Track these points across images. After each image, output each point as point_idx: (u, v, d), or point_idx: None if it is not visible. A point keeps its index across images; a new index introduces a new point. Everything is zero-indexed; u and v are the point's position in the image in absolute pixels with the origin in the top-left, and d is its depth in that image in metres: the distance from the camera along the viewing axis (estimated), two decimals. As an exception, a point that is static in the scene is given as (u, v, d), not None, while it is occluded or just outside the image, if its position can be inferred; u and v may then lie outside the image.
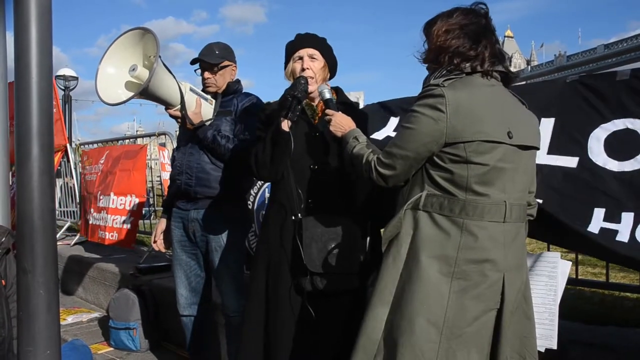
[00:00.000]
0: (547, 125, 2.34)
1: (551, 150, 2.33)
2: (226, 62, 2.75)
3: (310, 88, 2.14)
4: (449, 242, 1.55)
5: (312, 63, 2.16)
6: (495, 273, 1.56)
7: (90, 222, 5.31)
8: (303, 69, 2.14)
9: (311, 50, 2.17)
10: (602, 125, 2.25)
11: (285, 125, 2.04)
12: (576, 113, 2.32)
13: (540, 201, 2.22)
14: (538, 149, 1.71)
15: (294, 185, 2.08)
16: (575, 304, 2.78)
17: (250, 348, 2.15)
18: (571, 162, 2.27)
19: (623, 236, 2.05)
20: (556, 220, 2.09)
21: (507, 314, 1.59)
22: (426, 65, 1.76)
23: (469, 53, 1.63)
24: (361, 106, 3.21)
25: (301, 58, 2.16)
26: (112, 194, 4.99)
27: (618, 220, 2.10)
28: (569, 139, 2.31)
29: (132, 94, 2.39)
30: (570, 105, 2.35)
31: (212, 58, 2.71)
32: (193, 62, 2.74)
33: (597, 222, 2.12)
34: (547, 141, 2.33)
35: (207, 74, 2.73)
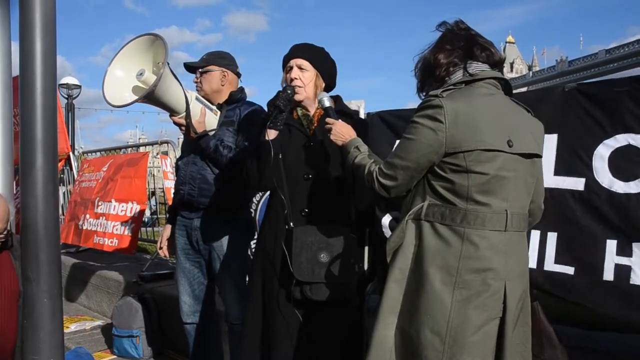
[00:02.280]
0: (550, 143, 2.34)
1: (557, 171, 2.34)
2: (212, 67, 2.77)
3: (299, 97, 2.16)
4: (450, 251, 1.56)
5: (300, 73, 2.17)
6: (497, 282, 1.57)
7: (85, 228, 5.27)
8: (292, 79, 2.16)
9: (300, 61, 2.19)
10: (605, 141, 2.25)
11: (267, 134, 2.06)
12: (578, 127, 2.33)
13: (555, 234, 2.28)
14: (540, 156, 1.72)
15: (285, 194, 2.10)
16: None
17: (249, 355, 2.16)
18: (578, 183, 2.28)
19: (637, 275, 2.08)
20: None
21: (510, 323, 1.60)
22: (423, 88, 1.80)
23: (454, 61, 1.68)
24: (362, 115, 3.22)
25: (291, 68, 2.19)
26: (113, 200, 4.99)
27: (630, 253, 2.11)
28: (574, 158, 2.31)
29: (137, 97, 2.41)
30: (570, 118, 2.36)
31: (196, 63, 2.78)
32: (185, 68, 2.82)
33: (611, 256, 2.15)
34: (552, 161, 2.34)
35: (194, 79, 2.80)
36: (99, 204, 5.16)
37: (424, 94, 1.73)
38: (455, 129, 1.55)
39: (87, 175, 5.70)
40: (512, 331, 1.60)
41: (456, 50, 1.69)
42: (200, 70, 2.77)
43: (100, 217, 5.08)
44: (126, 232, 4.81)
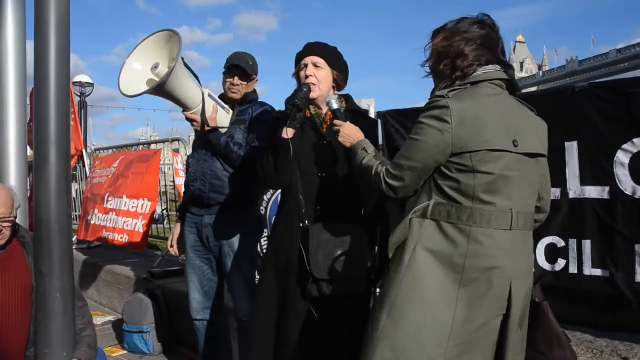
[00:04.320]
0: (572, 152, 2.43)
1: (583, 181, 2.42)
2: (255, 76, 2.82)
3: (314, 95, 2.15)
4: (457, 250, 1.56)
5: (315, 71, 2.17)
6: (503, 280, 1.57)
7: (92, 223, 5.31)
8: (307, 77, 2.16)
9: (315, 59, 2.18)
10: (623, 146, 2.31)
11: (286, 133, 2.06)
12: (595, 133, 2.38)
13: (589, 241, 2.39)
14: (545, 156, 1.72)
15: (300, 193, 2.11)
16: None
17: (260, 352, 2.17)
18: (603, 192, 2.37)
19: None
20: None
21: (514, 320, 1.61)
22: (428, 71, 1.78)
23: (468, 60, 1.65)
24: (372, 114, 3.23)
25: (306, 66, 2.18)
26: (124, 196, 5.00)
27: None
28: (596, 166, 2.39)
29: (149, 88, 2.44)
30: (587, 123, 2.40)
31: (248, 67, 2.77)
32: (234, 68, 2.77)
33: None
34: (577, 170, 2.43)
35: (238, 80, 2.77)
36: (109, 199, 5.18)
37: (447, 83, 1.68)
38: (461, 130, 1.55)
39: (99, 172, 5.73)
40: (516, 330, 1.61)
41: (482, 49, 1.66)
42: (250, 77, 2.79)
43: (110, 213, 5.10)
44: (137, 229, 4.83)
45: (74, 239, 5.84)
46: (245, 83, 2.78)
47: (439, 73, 1.70)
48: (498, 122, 1.58)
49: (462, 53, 1.65)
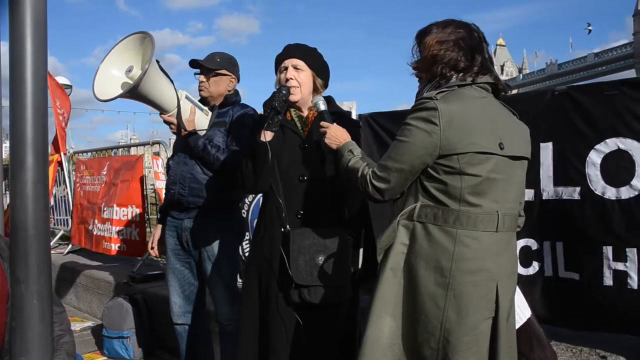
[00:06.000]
0: (546, 152, 2.43)
1: (556, 181, 2.42)
2: (224, 71, 2.76)
3: (295, 98, 2.14)
4: (443, 253, 1.57)
5: (296, 73, 2.15)
6: (489, 282, 1.59)
7: (95, 233, 5.32)
8: (287, 79, 2.14)
9: (295, 61, 2.17)
10: (596, 146, 2.31)
11: (264, 136, 2.05)
12: (570, 134, 2.39)
13: (561, 243, 2.39)
14: (529, 159, 1.74)
15: (281, 197, 2.09)
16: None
17: (245, 359, 2.15)
18: (574, 192, 2.36)
19: (633, 280, 2.18)
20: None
21: (502, 322, 1.62)
22: (415, 72, 1.78)
23: (462, 65, 1.65)
24: (354, 117, 3.23)
25: (286, 68, 2.17)
26: (114, 205, 5.03)
27: (625, 259, 2.21)
28: (568, 166, 2.39)
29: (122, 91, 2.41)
30: (563, 124, 2.41)
31: (209, 63, 2.73)
32: (192, 64, 2.76)
33: (607, 262, 2.25)
34: (551, 171, 2.43)
35: (201, 78, 2.76)
36: (105, 209, 5.21)
37: (434, 84, 1.68)
38: (450, 132, 1.55)
39: (89, 179, 5.70)
40: (505, 330, 1.62)
41: (472, 53, 1.66)
42: (213, 72, 2.74)
43: (106, 222, 5.14)
44: (133, 237, 4.85)
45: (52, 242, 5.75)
46: (210, 79, 2.74)
47: (430, 74, 1.70)
48: (485, 125, 1.60)
49: (457, 58, 1.65)
